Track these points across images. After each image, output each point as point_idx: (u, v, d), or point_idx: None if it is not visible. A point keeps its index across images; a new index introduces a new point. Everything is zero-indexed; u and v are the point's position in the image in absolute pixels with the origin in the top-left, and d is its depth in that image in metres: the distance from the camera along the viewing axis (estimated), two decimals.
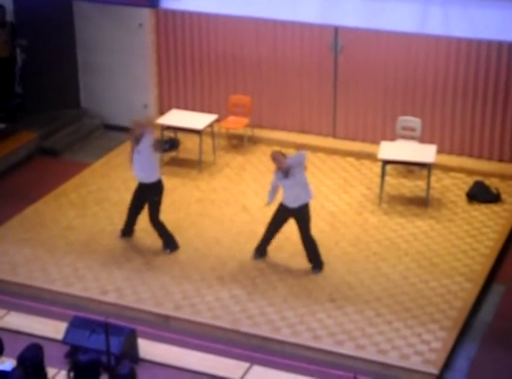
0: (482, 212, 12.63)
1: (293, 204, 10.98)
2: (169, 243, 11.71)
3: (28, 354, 7.81)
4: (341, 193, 13.19)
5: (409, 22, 9.26)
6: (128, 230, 11.99)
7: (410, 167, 13.48)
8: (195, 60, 15.08)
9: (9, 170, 14.13)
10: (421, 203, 12.82)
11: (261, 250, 11.47)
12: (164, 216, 11.80)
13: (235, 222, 12.45)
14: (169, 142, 14.13)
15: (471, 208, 12.73)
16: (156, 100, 15.48)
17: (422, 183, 13.15)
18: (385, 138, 13.84)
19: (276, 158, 10.94)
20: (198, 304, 10.68)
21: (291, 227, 11.24)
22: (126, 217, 11.91)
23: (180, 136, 14.28)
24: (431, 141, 13.76)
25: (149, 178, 11.44)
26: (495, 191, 12.98)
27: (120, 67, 15.30)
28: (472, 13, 8.93)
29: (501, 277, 11.40)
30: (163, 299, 10.79)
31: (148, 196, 11.54)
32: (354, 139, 14.53)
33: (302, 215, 11.05)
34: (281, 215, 11.14)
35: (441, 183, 13.40)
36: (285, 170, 10.82)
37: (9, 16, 15.04)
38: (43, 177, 13.99)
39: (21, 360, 7.79)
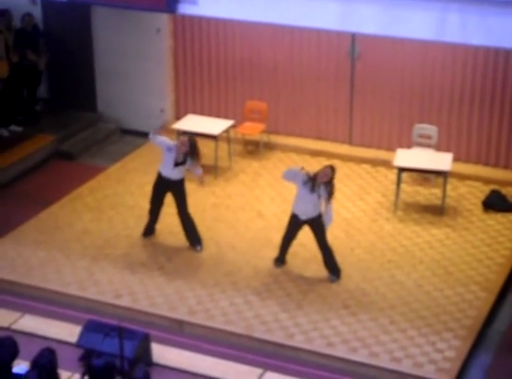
0: (498, 221, 12.58)
1: (302, 216, 11.00)
2: (197, 239, 11.78)
3: (42, 358, 7.81)
4: (357, 199, 13.18)
5: (427, 30, 9.24)
6: (151, 229, 12.05)
7: (426, 175, 13.44)
8: (212, 65, 15.11)
9: (25, 173, 14.20)
10: (436, 211, 12.79)
11: (280, 259, 11.47)
12: (179, 220, 11.86)
13: (250, 228, 12.46)
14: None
15: (487, 217, 12.69)
16: (172, 105, 15.51)
17: (437, 191, 13.12)
18: (401, 145, 13.81)
19: (326, 173, 10.82)
20: (212, 309, 10.68)
21: (305, 234, 11.23)
22: (150, 215, 11.95)
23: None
24: (447, 149, 13.72)
25: (179, 176, 11.57)
26: (511, 200, 12.93)
27: (137, 72, 15.34)
28: (490, 21, 8.90)
29: None
30: (177, 304, 10.80)
31: (176, 190, 11.63)
32: (370, 146, 14.52)
33: (316, 225, 11.03)
34: (294, 224, 11.13)
35: (457, 191, 13.36)
36: (318, 183, 10.77)
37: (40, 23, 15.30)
38: (59, 180, 14.04)
39: (35, 365, 7.80)
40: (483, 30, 8.98)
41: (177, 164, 11.46)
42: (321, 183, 10.75)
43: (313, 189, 10.75)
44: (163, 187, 11.70)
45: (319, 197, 10.79)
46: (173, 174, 11.52)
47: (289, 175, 11.06)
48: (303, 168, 10.98)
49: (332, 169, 10.85)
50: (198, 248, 11.81)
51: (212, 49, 15.00)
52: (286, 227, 11.23)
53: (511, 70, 13.30)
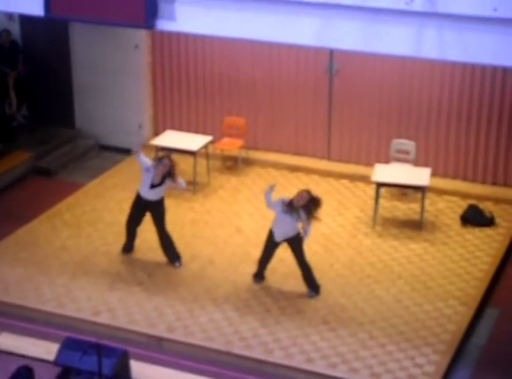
0: (476, 236, 12.63)
1: (278, 238, 11.01)
2: (176, 256, 11.76)
3: (19, 376, 7.76)
4: (335, 215, 13.20)
5: (404, 45, 9.28)
6: (130, 246, 12.01)
7: (404, 190, 13.50)
8: (190, 81, 15.12)
9: (3, 189, 14.12)
10: (415, 226, 12.83)
11: (259, 275, 11.46)
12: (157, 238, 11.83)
13: (229, 243, 12.44)
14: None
15: (465, 232, 12.74)
16: (150, 121, 15.50)
17: (416, 206, 13.16)
18: (379, 161, 13.87)
19: (303, 196, 10.84)
20: (191, 325, 10.65)
21: (284, 249, 11.22)
22: (126, 233, 11.92)
23: (174, 157, 14.25)
24: (425, 164, 13.79)
25: (156, 196, 11.53)
26: (488, 215, 12.99)
27: (115, 88, 15.32)
28: (467, 38, 8.96)
29: (495, 301, 11.38)
30: (156, 320, 10.75)
31: (154, 210, 11.60)
32: (348, 161, 14.56)
33: (294, 243, 11.03)
34: (272, 241, 11.14)
35: (435, 206, 13.41)
36: (295, 208, 10.78)
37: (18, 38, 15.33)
38: (37, 197, 13.98)
39: None
40: (460, 46, 9.04)
41: (153, 186, 11.43)
42: (298, 207, 10.76)
43: (291, 214, 10.77)
44: (141, 206, 11.67)
45: (298, 219, 10.81)
46: (149, 194, 11.49)
47: (268, 204, 11.06)
48: (273, 187, 10.98)
49: (308, 192, 10.87)
50: (177, 264, 11.78)
51: (191, 65, 15.01)
52: (264, 244, 11.22)
53: (488, 86, 13.40)
